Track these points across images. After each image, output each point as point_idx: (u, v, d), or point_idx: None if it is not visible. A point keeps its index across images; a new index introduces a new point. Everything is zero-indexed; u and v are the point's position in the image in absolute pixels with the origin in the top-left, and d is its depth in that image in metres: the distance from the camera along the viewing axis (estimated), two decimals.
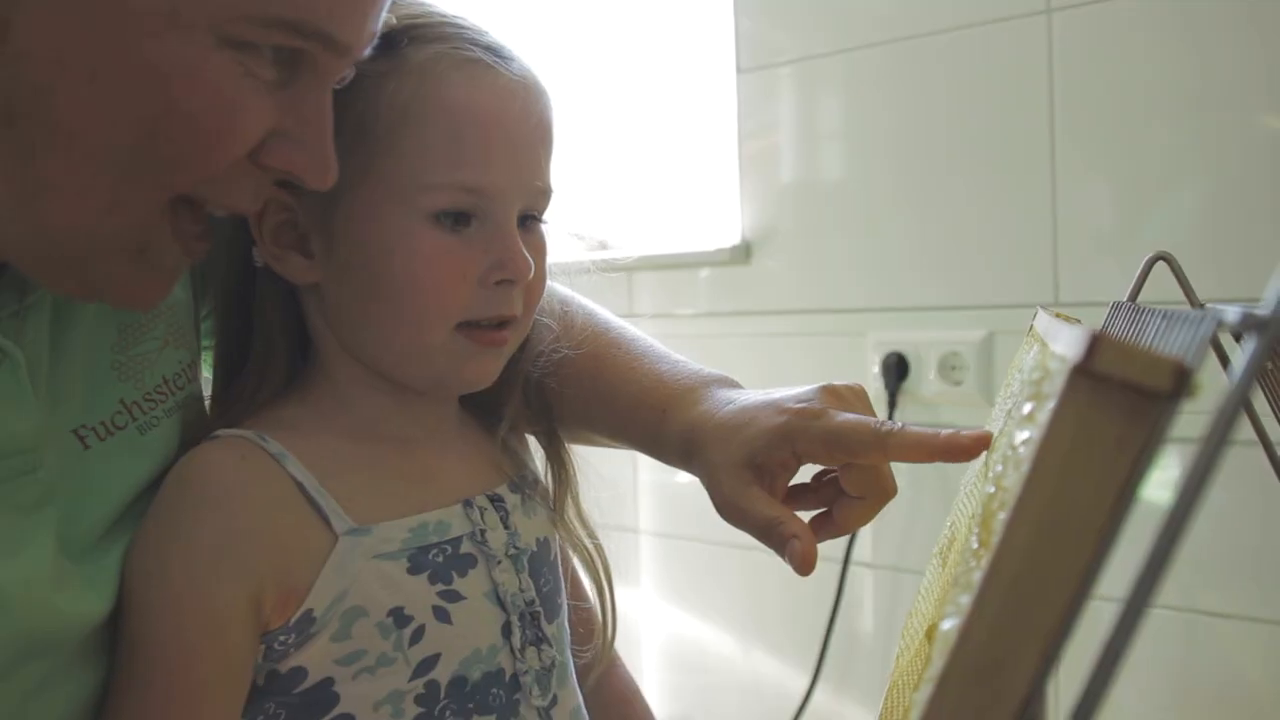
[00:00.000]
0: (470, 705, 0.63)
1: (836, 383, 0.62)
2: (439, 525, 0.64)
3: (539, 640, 0.67)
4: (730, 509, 0.62)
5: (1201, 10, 1.12)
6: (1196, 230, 1.14)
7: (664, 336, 0.77)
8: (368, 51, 0.56)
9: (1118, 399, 0.30)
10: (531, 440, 0.75)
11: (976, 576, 0.33)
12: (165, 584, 0.59)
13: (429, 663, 0.62)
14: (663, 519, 1.61)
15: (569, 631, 0.72)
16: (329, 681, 0.60)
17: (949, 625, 0.37)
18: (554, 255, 0.69)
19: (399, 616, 0.61)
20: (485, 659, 0.64)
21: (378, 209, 0.61)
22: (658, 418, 0.68)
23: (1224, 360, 0.68)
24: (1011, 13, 1.24)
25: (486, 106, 0.62)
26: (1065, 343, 0.36)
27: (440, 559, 0.63)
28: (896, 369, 1.34)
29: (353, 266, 0.62)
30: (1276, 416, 0.61)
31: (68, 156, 0.49)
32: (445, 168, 0.61)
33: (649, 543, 1.62)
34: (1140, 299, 0.71)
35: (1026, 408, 0.39)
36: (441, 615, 0.62)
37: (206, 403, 0.70)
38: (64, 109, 0.48)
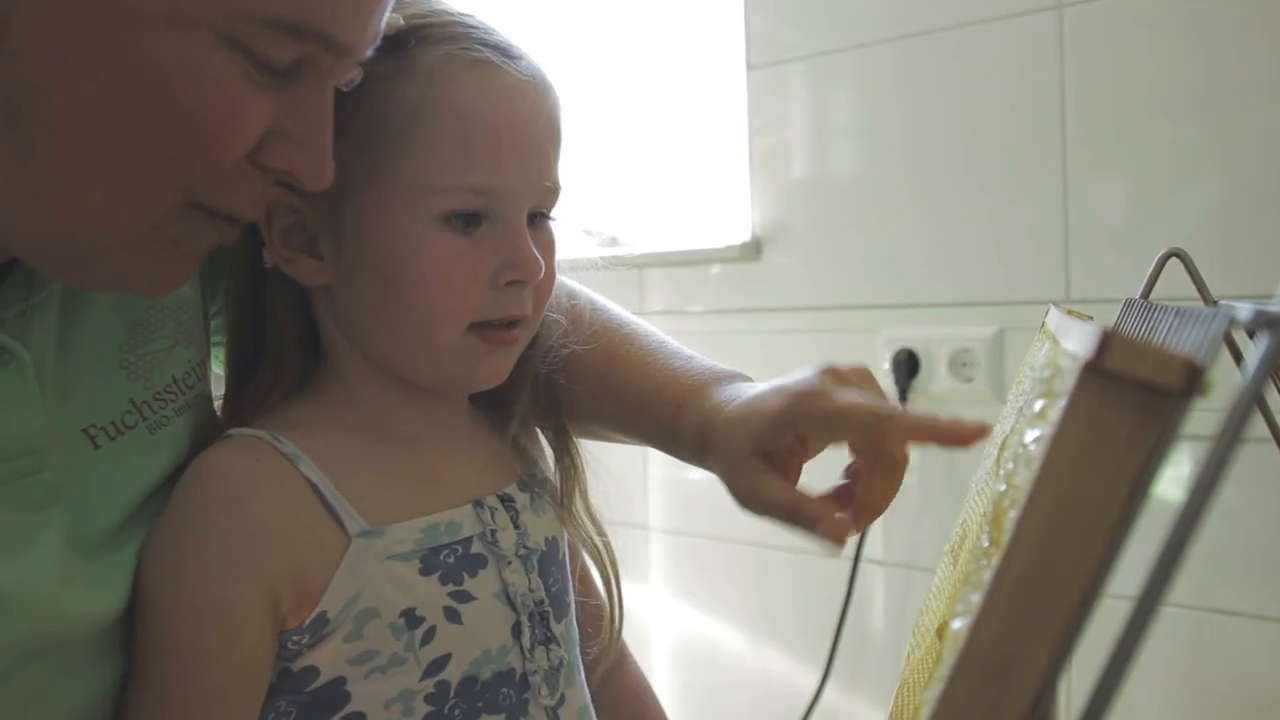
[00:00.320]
0: (480, 704, 0.63)
1: (839, 363, 0.62)
2: (450, 526, 0.64)
3: (548, 640, 0.67)
4: (749, 500, 0.61)
5: (1214, 6, 1.11)
6: (1210, 226, 1.13)
7: (675, 333, 0.77)
8: (370, 52, 0.56)
9: (1129, 397, 0.30)
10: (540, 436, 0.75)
11: (987, 574, 0.32)
12: (181, 586, 0.59)
13: (440, 663, 0.62)
14: (673, 515, 1.60)
15: (577, 630, 0.72)
16: (341, 681, 0.60)
17: (960, 624, 0.37)
18: (563, 252, 0.69)
19: (411, 617, 0.61)
20: (495, 659, 0.64)
21: (387, 211, 0.61)
22: (672, 413, 0.68)
23: (1237, 357, 0.68)
24: (1023, 8, 1.23)
25: (495, 108, 0.61)
26: (1077, 340, 0.35)
27: (451, 560, 0.63)
28: (907, 366, 1.34)
29: (362, 269, 0.62)
30: None
31: (69, 155, 0.49)
32: (455, 170, 0.61)
33: (659, 539, 1.62)
34: (1153, 296, 0.71)
35: (1038, 405, 0.39)
36: (452, 616, 0.62)
37: (217, 402, 0.70)
38: (64, 107, 0.48)
